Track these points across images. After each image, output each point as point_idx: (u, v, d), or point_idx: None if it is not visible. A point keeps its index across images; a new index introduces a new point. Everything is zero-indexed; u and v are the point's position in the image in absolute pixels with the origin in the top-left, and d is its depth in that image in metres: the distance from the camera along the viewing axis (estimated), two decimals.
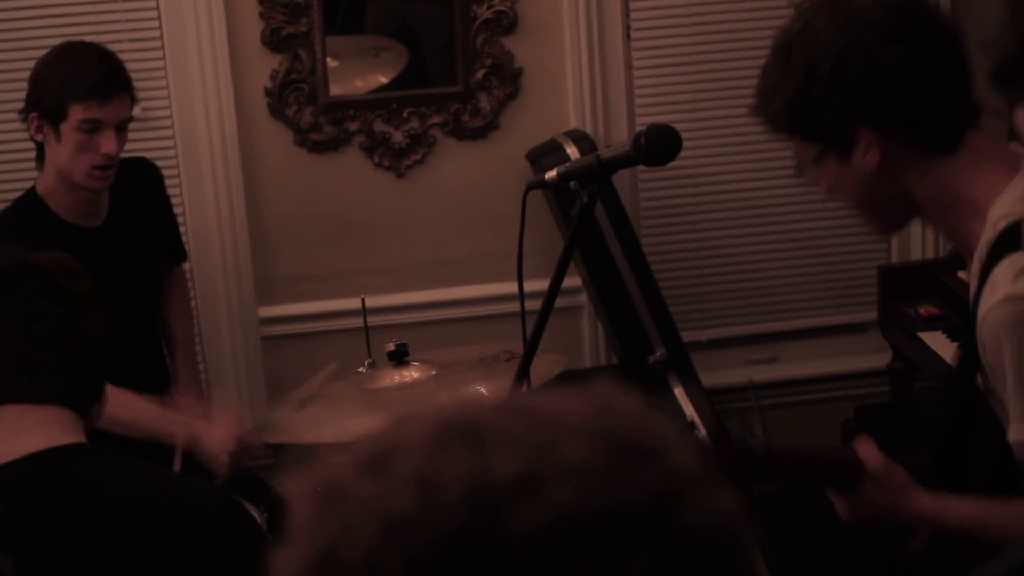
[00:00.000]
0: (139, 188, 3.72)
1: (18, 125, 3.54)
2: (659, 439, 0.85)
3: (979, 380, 2.02)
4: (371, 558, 0.79)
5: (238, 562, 1.98)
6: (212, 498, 2.09)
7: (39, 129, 3.44)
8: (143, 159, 3.84)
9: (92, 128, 3.40)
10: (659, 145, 2.27)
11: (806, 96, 2.04)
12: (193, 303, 4.21)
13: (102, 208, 3.60)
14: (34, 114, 3.43)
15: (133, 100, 3.52)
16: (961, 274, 2.16)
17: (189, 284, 4.07)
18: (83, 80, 3.38)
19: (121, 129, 3.46)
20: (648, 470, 0.82)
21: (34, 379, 2.03)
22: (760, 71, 2.16)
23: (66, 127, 3.39)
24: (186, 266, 4.01)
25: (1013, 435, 1.93)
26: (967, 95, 2.08)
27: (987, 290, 1.93)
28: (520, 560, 0.78)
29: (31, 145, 3.55)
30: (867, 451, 2.16)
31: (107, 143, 3.40)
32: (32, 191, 3.57)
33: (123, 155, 3.83)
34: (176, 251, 3.92)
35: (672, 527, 0.81)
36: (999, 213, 1.98)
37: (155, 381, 3.78)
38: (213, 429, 3.39)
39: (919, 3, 2.13)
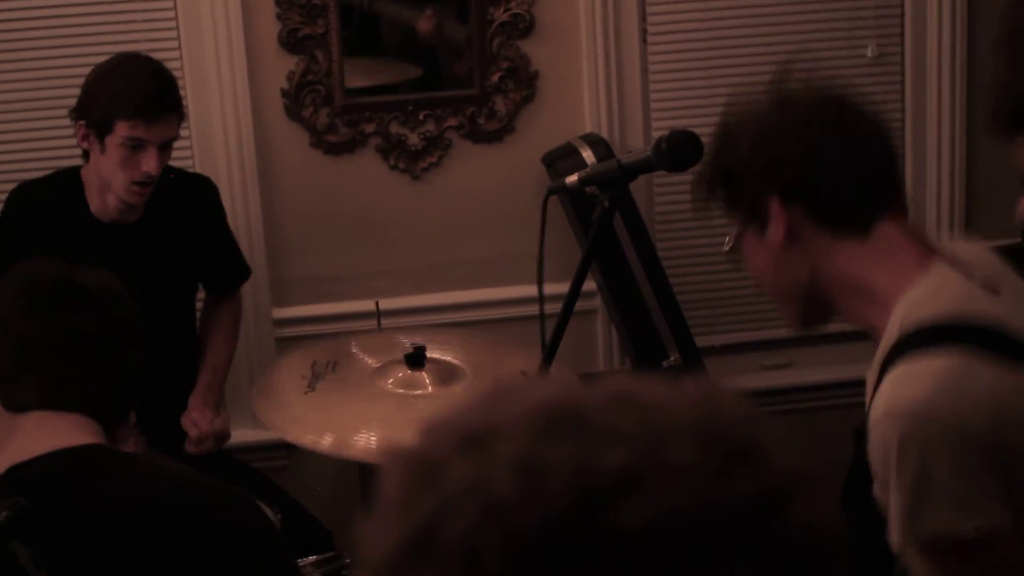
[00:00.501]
0: (183, 201, 3.73)
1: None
2: (763, 440, 0.84)
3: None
4: (469, 540, 0.77)
5: (255, 559, 2.01)
6: (228, 496, 2.10)
7: (85, 137, 3.49)
8: (203, 178, 3.90)
9: (136, 145, 3.42)
10: (681, 151, 2.28)
11: (728, 174, 2.09)
12: None
13: (133, 214, 3.61)
14: (82, 122, 3.47)
15: (181, 119, 3.53)
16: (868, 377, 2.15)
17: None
18: (132, 98, 3.40)
19: (165, 147, 3.48)
20: (752, 471, 0.81)
21: (59, 392, 2.06)
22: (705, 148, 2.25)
23: (111, 141, 3.42)
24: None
25: (892, 542, 1.92)
26: (886, 183, 2.10)
27: (879, 395, 1.93)
28: (622, 555, 0.77)
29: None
30: None
31: (148, 162, 3.43)
32: (76, 172, 3.63)
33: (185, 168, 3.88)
34: (219, 279, 3.92)
35: (775, 530, 0.80)
36: (904, 311, 1.98)
37: (170, 375, 3.79)
38: (201, 410, 3.60)
39: (850, 97, 2.17)
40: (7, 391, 2.08)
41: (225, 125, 4.15)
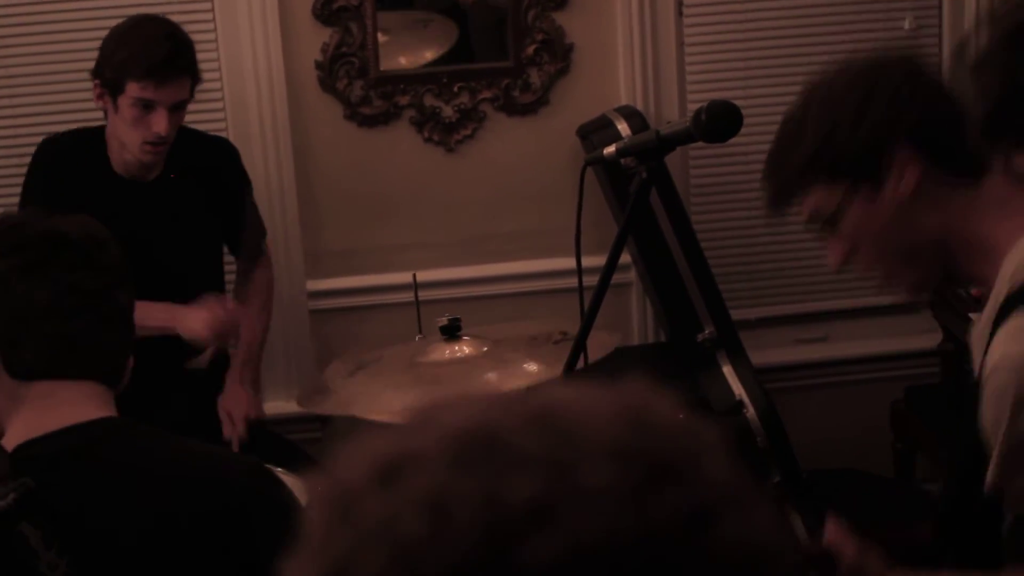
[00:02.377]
0: (203, 162, 3.75)
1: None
2: (691, 453, 0.79)
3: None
4: None
5: (272, 535, 1.96)
6: (245, 470, 2.06)
7: (100, 96, 3.53)
8: (224, 140, 3.92)
9: (146, 106, 3.45)
10: (720, 122, 2.25)
11: (832, 134, 2.02)
12: None
13: (153, 169, 3.65)
14: (97, 81, 3.52)
15: (195, 82, 3.55)
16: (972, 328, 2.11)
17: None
18: (143, 59, 3.42)
19: (177, 109, 3.50)
20: (676, 491, 0.76)
21: (68, 355, 2.01)
22: (769, 152, 2.16)
23: (123, 101, 3.46)
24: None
25: (988, 479, 1.89)
26: (973, 130, 2.05)
27: (992, 349, 1.89)
28: None
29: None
30: (837, 537, 2.10)
31: (158, 123, 3.46)
32: (100, 131, 3.66)
33: (207, 131, 3.88)
34: (239, 241, 3.87)
35: (701, 551, 0.75)
36: (1015, 264, 1.95)
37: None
38: (195, 310, 3.52)
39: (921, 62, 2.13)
40: (10, 356, 2.01)
41: (259, 97, 4.15)
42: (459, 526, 0.74)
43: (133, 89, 3.43)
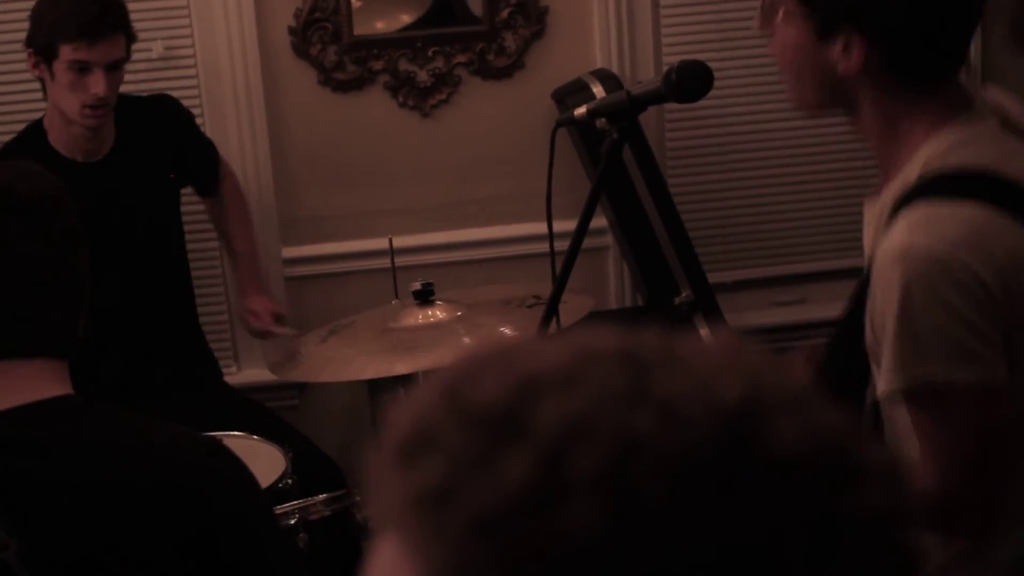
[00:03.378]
0: (150, 124, 3.73)
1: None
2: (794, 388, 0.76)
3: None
4: (612, 472, 0.69)
5: (230, 515, 1.92)
6: (202, 449, 2.00)
7: (36, 65, 3.49)
8: (161, 96, 3.85)
9: (82, 68, 3.42)
10: (690, 81, 2.24)
11: None
12: (217, 243, 4.20)
13: (103, 144, 3.62)
14: (30, 50, 3.48)
15: (130, 39, 3.51)
16: (865, 201, 2.10)
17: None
18: (73, 20, 3.39)
19: (113, 69, 3.46)
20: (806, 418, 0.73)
21: (21, 333, 1.92)
22: None
23: (58, 66, 3.42)
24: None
25: (880, 387, 1.89)
26: (961, 41, 2.01)
27: (888, 236, 1.87)
28: (774, 479, 0.70)
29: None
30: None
31: (96, 84, 3.42)
32: (38, 123, 3.63)
33: (144, 93, 3.84)
34: (210, 177, 3.94)
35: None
36: (927, 155, 1.93)
37: (173, 312, 3.80)
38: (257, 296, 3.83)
39: None
40: None
41: (232, 63, 4.12)
42: (691, 421, 0.70)
43: (66, 52, 3.39)
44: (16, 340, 1.92)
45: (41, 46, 3.43)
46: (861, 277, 1.97)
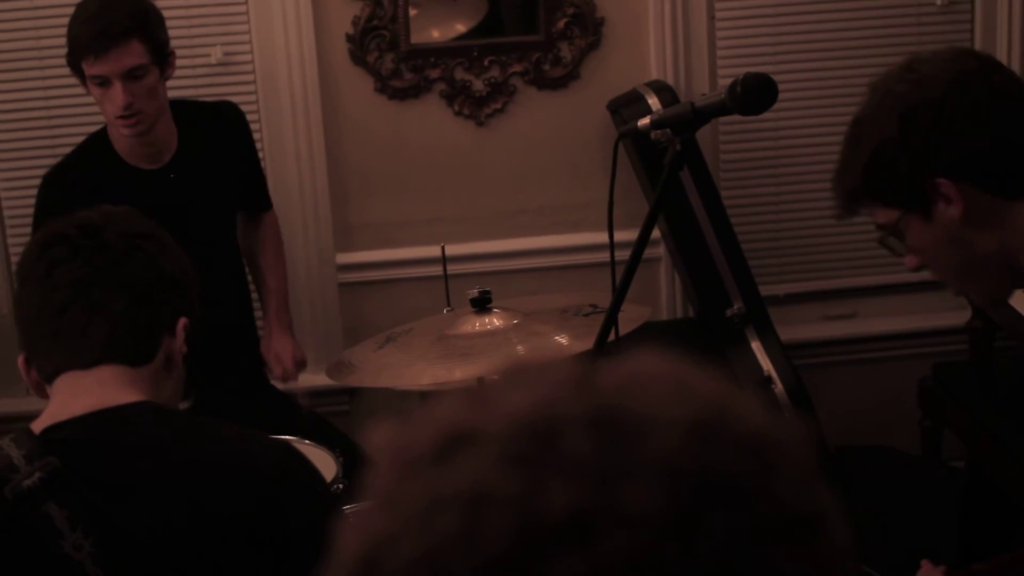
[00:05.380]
0: (213, 131, 3.73)
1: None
2: (760, 471, 0.73)
3: None
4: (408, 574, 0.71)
5: (303, 520, 1.92)
6: (274, 455, 2.01)
7: (82, 84, 3.50)
8: (226, 103, 3.85)
9: (102, 82, 3.42)
10: (755, 94, 2.25)
11: (878, 161, 2.03)
12: None
13: (163, 151, 3.62)
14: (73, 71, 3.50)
15: (147, 43, 3.43)
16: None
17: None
18: (81, 36, 3.40)
19: (132, 78, 3.42)
20: (731, 516, 0.70)
21: (68, 351, 1.99)
22: (840, 152, 2.15)
23: (89, 83, 3.44)
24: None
25: None
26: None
27: None
28: None
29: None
30: None
31: (115, 96, 3.41)
32: (102, 131, 3.64)
33: (207, 99, 3.86)
34: (257, 198, 3.93)
35: None
36: None
37: (231, 315, 3.81)
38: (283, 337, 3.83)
39: (988, 59, 2.11)
40: (37, 365, 2.02)
41: (290, 70, 4.15)
42: (493, 531, 0.69)
43: (86, 68, 3.41)
44: (65, 356, 2.00)
45: (71, 65, 3.45)
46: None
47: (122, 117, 3.44)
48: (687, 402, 0.74)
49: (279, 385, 3.81)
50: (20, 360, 2.04)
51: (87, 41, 3.38)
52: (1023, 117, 2.04)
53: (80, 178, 3.55)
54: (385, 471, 0.77)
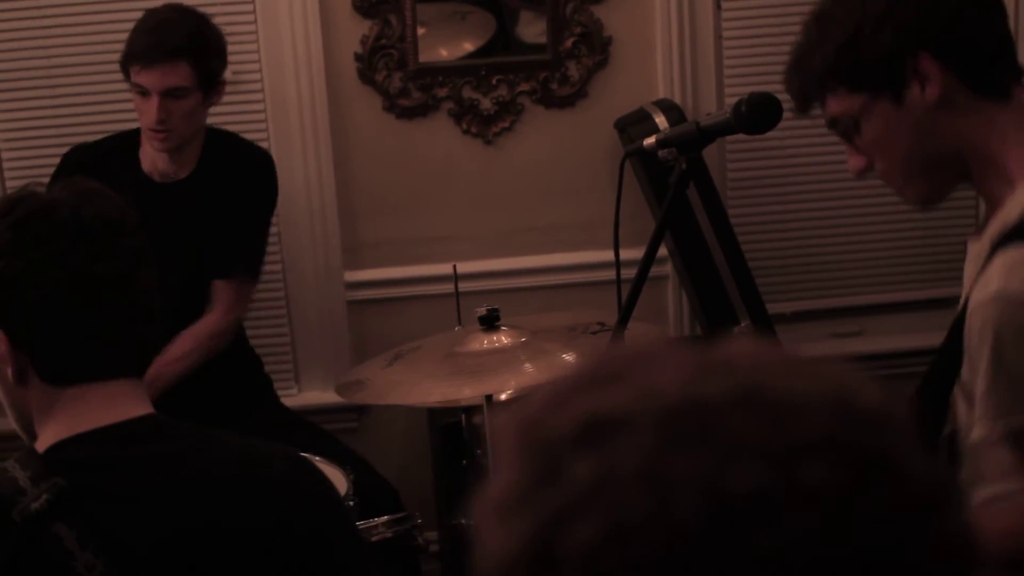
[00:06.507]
0: (236, 167, 3.73)
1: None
2: (898, 447, 0.77)
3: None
4: (591, 556, 0.73)
5: (316, 532, 1.92)
6: (285, 467, 1.97)
7: (127, 83, 3.56)
8: (264, 152, 3.85)
9: (142, 92, 3.48)
10: (760, 113, 2.26)
11: (855, 39, 1.96)
12: (279, 267, 4.24)
13: (182, 168, 3.66)
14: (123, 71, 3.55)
15: (195, 68, 3.47)
16: (970, 243, 2.08)
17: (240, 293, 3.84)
18: (137, 43, 3.47)
19: (172, 96, 3.47)
20: (887, 492, 0.74)
21: (96, 356, 1.92)
22: (793, 47, 2.10)
23: (132, 87, 3.48)
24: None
25: (977, 432, 1.86)
26: (1013, 47, 2.02)
27: (983, 277, 1.86)
28: None
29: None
30: None
31: (149, 109, 3.47)
32: (135, 133, 3.69)
33: (223, 116, 3.87)
34: (223, 255, 3.72)
35: (912, 562, 0.74)
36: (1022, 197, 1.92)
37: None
38: None
39: None
40: (41, 358, 1.91)
41: (299, 88, 4.17)
42: (681, 508, 0.72)
43: (132, 74, 3.48)
44: (93, 362, 1.92)
45: (122, 66, 3.52)
46: (958, 312, 1.95)
47: (153, 130, 3.50)
48: (822, 381, 0.78)
49: (292, 402, 3.79)
50: (3, 338, 1.91)
51: (139, 50, 3.45)
52: (1003, 17, 2.01)
53: (95, 167, 3.56)
54: (521, 455, 0.78)
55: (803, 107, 2.08)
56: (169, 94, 3.47)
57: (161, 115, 3.46)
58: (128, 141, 3.69)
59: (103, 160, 3.61)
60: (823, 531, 0.72)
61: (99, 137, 3.81)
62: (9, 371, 1.94)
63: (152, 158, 3.64)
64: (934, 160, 2.02)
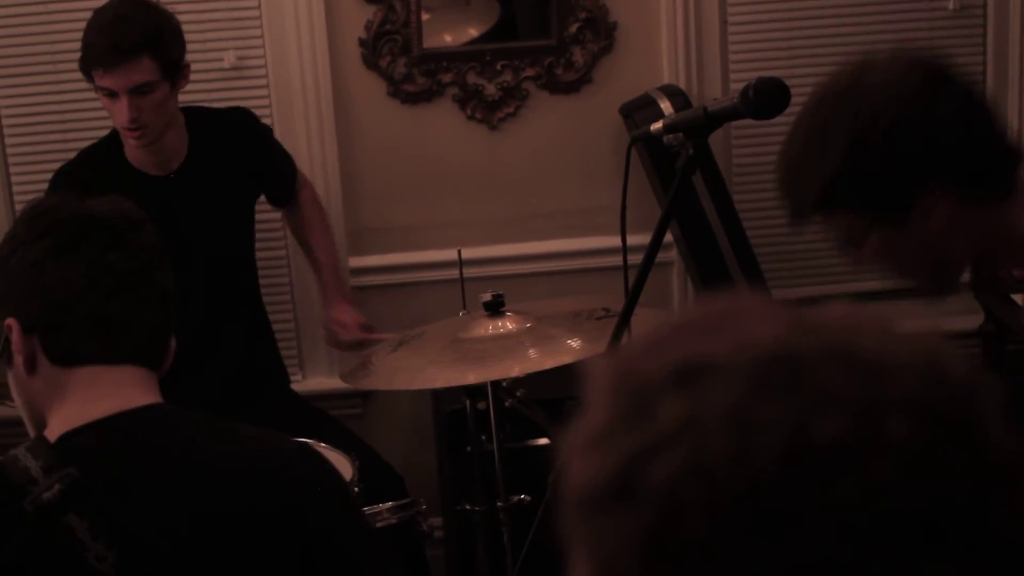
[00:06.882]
0: (225, 138, 3.73)
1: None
2: (980, 415, 0.79)
3: None
4: (673, 489, 0.75)
5: (325, 521, 1.92)
6: (294, 457, 1.99)
7: (91, 86, 3.50)
8: (235, 109, 3.86)
9: (109, 94, 3.42)
10: (767, 98, 2.26)
11: (855, 167, 1.92)
12: (284, 252, 4.24)
13: (172, 158, 3.63)
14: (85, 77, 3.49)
15: (157, 60, 3.42)
16: None
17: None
18: (94, 47, 3.40)
19: (139, 93, 3.41)
20: (967, 455, 0.76)
21: (107, 338, 1.94)
22: (781, 157, 2.08)
23: (97, 90, 3.45)
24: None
25: None
26: (1007, 139, 2.01)
27: None
28: (829, 531, 0.73)
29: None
30: None
31: (120, 110, 3.41)
32: (115, 133, 3.62)
33: (218, 104, 3.86)
34: (288, 189, 3.96)
35: (985, 526, 0.76)
36: None
37: (244, 324, 3.82)
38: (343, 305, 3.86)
39: (945, 63, 2.03)
40: (51, 340, 1.93)
41: (303, 74, 4.16)
42: (763, 451, 0.74)
43: (96, 78, 3.41)
44: (101, 346, 1.94)
45: (83, 71, 3.45)
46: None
47: (128, 129, 3.45)
48: (913, 347, 0.81)
49: (296, 388, 3.78)
50: (13, 325, 1.94)
51: (98, 53, 3.37)
52: (991, 114, 1.99)
53: (90, 179, 3.54)
54: (618, 399, 0.81)
55: (798, 220, 2.07)
56: (136, 91, 3.40)
57: (133, 113, 3.40)
58: (108, 145, 3.63)
59: (94, 171, 3.55)
60: (900, 484, 0.74)
61: (94, 135, 3.80)
62: (20, 360, 1.96)
63: (136, 154, 3.59)
64: (944, 264, 2.02)
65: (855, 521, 0.73)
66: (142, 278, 1.96)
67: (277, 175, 3.91)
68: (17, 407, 2.04)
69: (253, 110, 3.92)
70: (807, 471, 0.74)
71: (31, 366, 1.95)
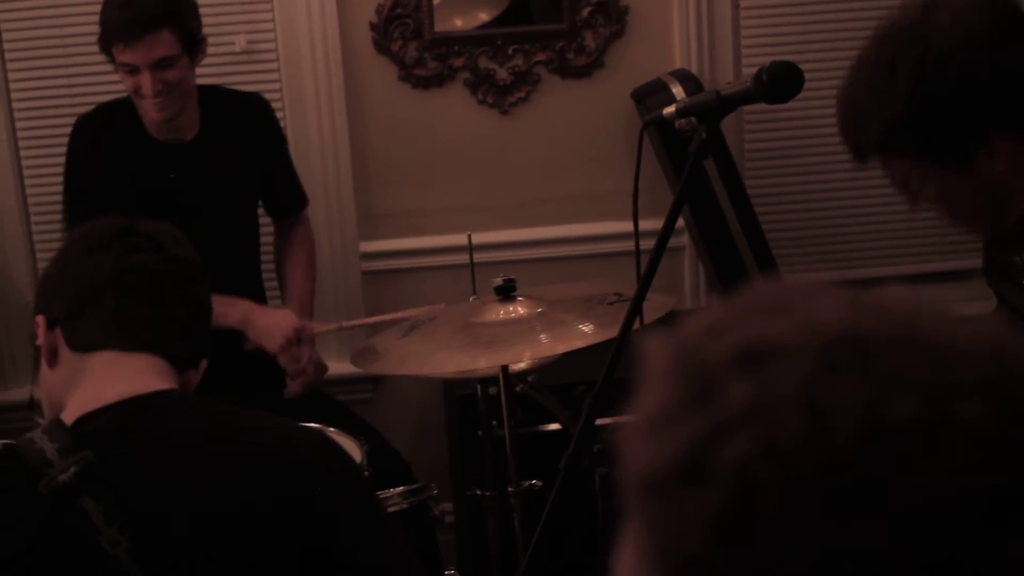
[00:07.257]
0: (237, 118, 3.73)
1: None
2: None
3: None
4: (745, 471, 0.74)
5: (339, 507, 1.92)
6: (307, 443, 1.99)
7: (110, 64, 3.50)
8: (253, 94, 3.84)
9: (131, 70, 3.43)
10: (781, 82, 2.23)
11: (920, 111, 1.92)
12: None
13: (185, 131, 3.63)
14: (103, 52, 3.49)
15: (178, 34, 3.43)
16: None
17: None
18: (112, 24, 3.40)
19: (161, 67, 3.42)
20: None
21: (125, 328, 1.98)
22: (843, 95, 2.07)
23: (119, 68, 3.44)
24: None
25: None
26: None
27: None
28: (905, 514, 0.73)
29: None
30: None
31: (144, 84, 3.42)
32: (129, 99, 3.61)
33: (238, 87, 3.85)
34: (283, 200, 3.91)
35: None
36: None
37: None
38: (271, 312, 3.60)
39: (1012, 2, 2.01)
40: (72, 328, 1.99)
41: (314, 58, 4.15)
42: (838, 433, 0.74)
43: (117, 54, 3.42)
44: (121, 333, 1.98)
45: (102, 49, 3.46)
46: None
47: (152, 100, 3.46)
48: (978, 332, 0.80)
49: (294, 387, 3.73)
50: (40, 320, 2.02)
51: (117, 28, 3.38)
52: None
53: (106, 129, 3.60)
54: (675, 377, 0.80)
55: (859, 161, 2.07)
56: (158, 65, 3.41)
57: (157, 87, 3.42)
58: (126, 106, 3.62)
59: (111, 125, 3.59)
60: (976, 464, 0.74)
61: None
62: (43, 357, 2.02)
63: (152, 123, 3.60)
64: (1000, 210, 2.02)
65: (930, 501, 0.73)
66: (170, 282, 2.03)
67: (281, 174, 3.88)
68: (43, 403, 2.09)
69: (264, 94, 3.91)
70: (883, 451, 0.73)
71: (52, 359, 2.00)
